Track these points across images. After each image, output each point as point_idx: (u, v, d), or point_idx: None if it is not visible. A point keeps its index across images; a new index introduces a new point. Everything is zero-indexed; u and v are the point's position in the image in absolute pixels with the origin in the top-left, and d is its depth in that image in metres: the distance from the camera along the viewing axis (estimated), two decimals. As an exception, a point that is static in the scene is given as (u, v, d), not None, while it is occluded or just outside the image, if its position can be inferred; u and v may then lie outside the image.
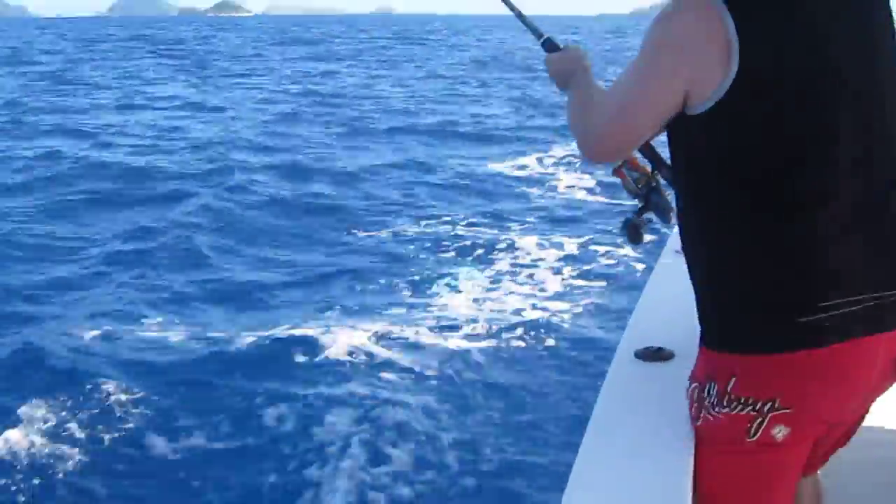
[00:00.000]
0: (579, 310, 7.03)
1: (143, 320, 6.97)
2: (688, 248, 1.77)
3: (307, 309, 7.26)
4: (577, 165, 13.63)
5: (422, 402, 5.44)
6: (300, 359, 6.14)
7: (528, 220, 10.43)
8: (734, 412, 1.66)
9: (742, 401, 1.65)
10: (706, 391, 1.72)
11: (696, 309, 1.77)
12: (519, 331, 6.55)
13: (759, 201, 1.59)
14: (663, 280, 3.02)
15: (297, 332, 6.60)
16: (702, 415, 1.75)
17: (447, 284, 7.87)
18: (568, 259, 8.61)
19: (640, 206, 2.14)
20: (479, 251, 8.95)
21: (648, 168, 2.15)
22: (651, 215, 2.15)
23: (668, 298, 2.77)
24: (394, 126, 18.60)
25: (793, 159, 1.56)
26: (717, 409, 1.70)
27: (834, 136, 1.57)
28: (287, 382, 5.76)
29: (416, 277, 8.05)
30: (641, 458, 1.75)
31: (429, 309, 7.18)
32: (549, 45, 2.19)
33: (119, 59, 43.45)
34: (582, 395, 5.21)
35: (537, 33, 2.23)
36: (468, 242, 9.26)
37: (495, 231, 9.81)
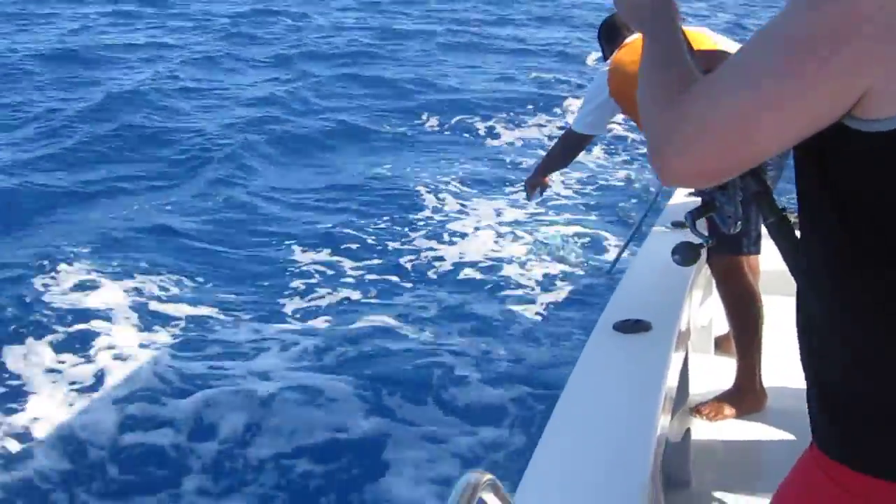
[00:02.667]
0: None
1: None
2: (833, 327, 1.19)
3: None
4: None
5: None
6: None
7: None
8: None
9: None
10: None
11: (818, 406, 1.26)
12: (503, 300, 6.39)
13: None
14: (652, 254, 2.99)
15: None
16: None
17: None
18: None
19: (699, 206, 1.73)
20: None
21: None
22: (708, 223, 1.74)
23: (654, 272, 2.73)
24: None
25: None
26: None
27: None
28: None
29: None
30: (609, 426, 1.73)
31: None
32: None
33: None
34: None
35: None
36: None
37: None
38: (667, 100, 1.14)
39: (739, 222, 1.64)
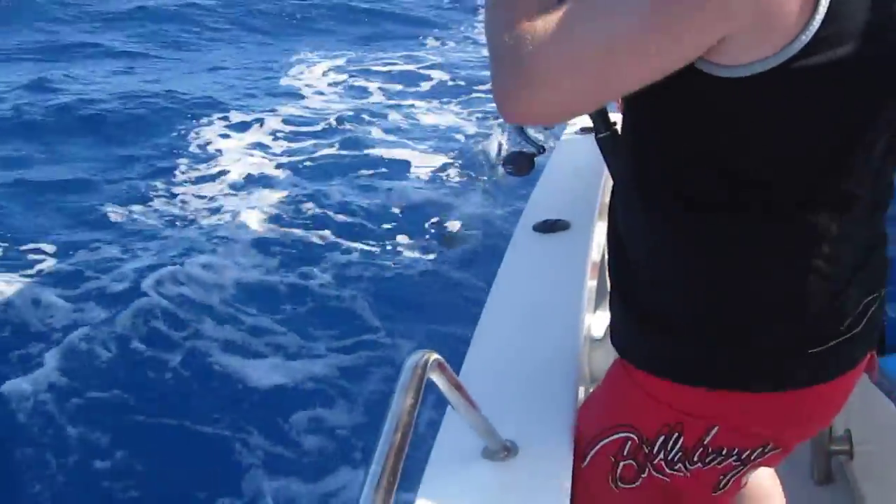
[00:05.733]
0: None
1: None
2: (650, 249, 1.23)
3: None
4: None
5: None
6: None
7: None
8: (708, 466, 1.30)
9: (724, 452, 1.28)
10: (659, 445, 1.29)
11: (626, 324, 1.33)
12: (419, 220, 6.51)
13: (782, 205, 1.11)
14: (564, 156, 3.09)
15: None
16: (643, 476, 1.34)
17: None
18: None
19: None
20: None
21: None
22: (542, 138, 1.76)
23: (567, 174, 2.84)
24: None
25: (835, 152, 1.08)
26: (679, 467, 1.30)
27: (871, 144, 1.10)
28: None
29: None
30: (538, 321, 1.84)
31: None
32: None
33: None
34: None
35: None
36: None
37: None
38: (516, 29, 1.01)
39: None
